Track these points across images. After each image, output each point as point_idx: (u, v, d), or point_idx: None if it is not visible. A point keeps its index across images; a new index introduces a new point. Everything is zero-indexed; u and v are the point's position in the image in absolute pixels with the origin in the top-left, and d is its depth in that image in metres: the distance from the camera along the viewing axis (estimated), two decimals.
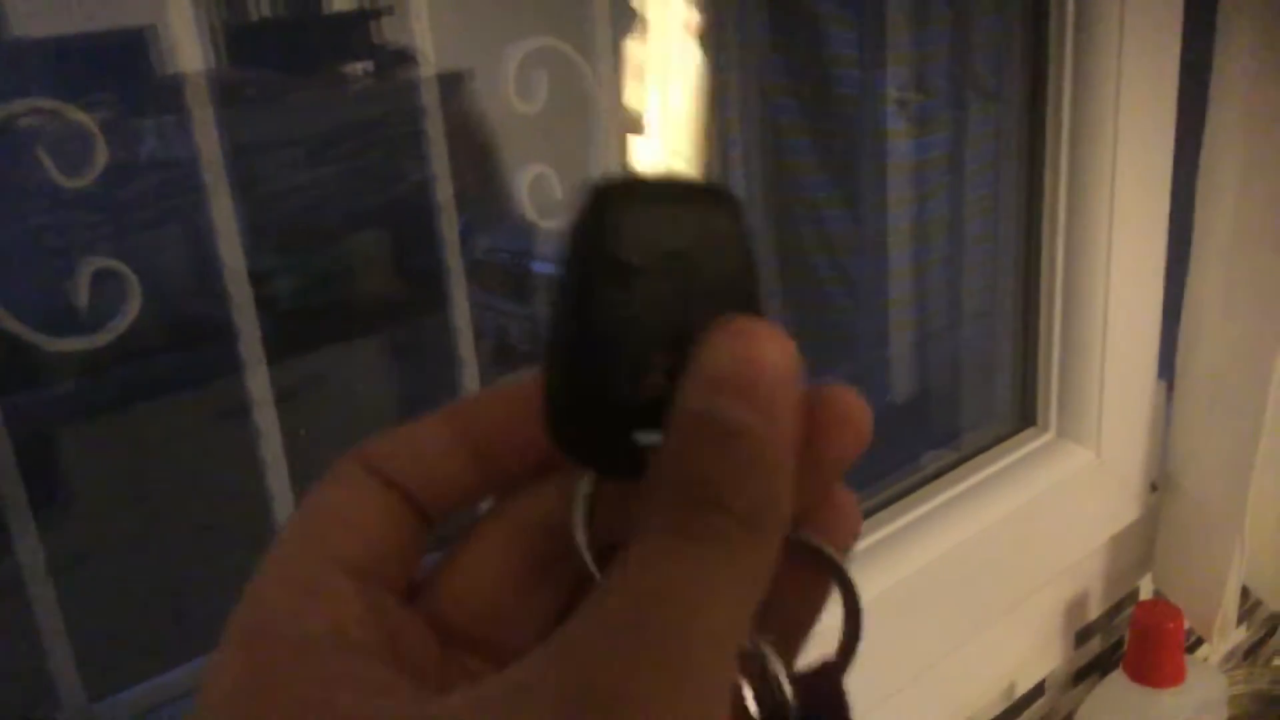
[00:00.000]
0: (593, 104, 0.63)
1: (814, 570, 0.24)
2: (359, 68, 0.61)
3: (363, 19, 0.60)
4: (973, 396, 0.87)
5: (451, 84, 0.59)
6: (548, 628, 0.24)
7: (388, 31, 0.60)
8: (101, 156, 0.47)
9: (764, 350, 0.20)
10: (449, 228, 0.60)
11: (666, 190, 0.21)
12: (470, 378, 0.63)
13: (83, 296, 0.48)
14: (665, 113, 0.22)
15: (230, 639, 0.21)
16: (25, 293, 0.48)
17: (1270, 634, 1.06)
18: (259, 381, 0.54)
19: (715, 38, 0.74)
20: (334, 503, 0.23)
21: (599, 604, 0.19)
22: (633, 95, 0.22)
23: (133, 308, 0.49)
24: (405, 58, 0.59)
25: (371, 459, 0.23)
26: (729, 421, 0.20)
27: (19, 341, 0.47)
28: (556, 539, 0.23)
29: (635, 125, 0.22)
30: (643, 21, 0.22)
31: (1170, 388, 0.84)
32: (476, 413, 0.23)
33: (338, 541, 0.22)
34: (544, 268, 0.72)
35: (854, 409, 0.23)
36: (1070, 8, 0.72)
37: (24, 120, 0.46)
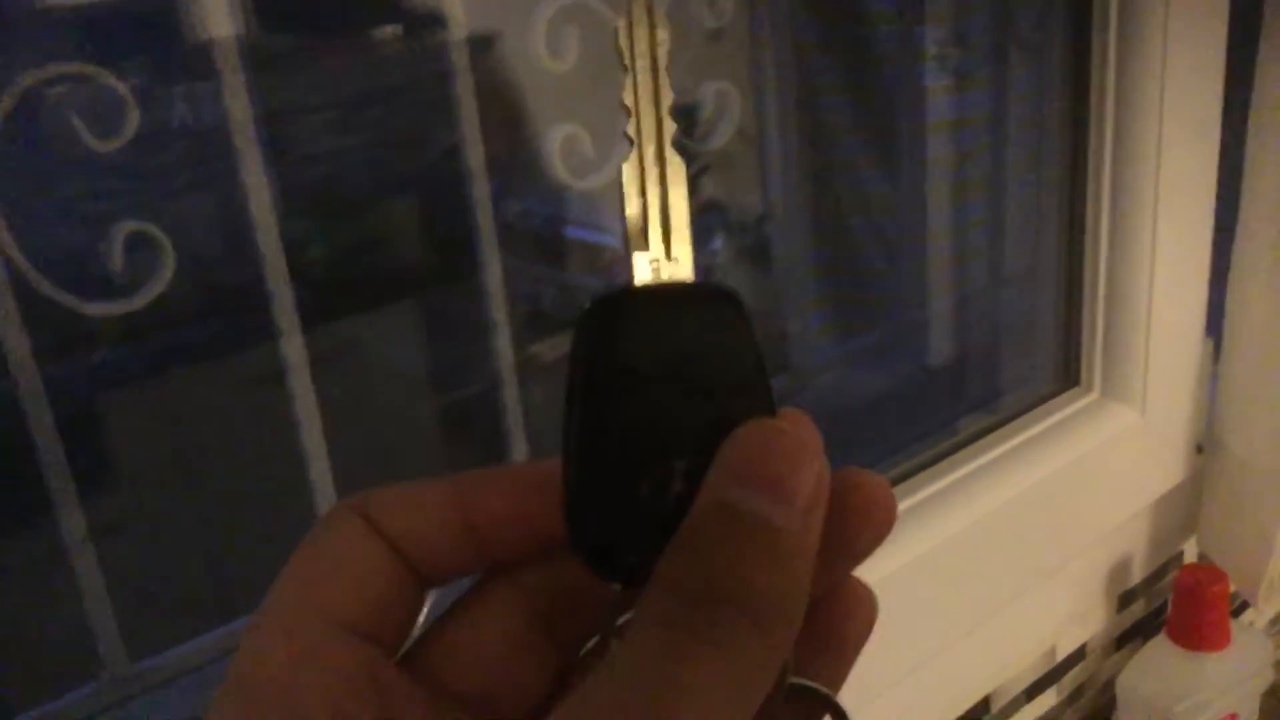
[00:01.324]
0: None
1: (809, 706, 0.24)
2: (388, 31, 0.61)
3: None
4: (1015, 357, 0.85)
5: (481, 45, 0.58)
6: (544, 688, 0.24)
7: None
8: (133, 121, 0.47)
9: (790, 445, 0.20)
10: (480, 190, 0.60)
11: (668, 295, 0.22)
12: (503, 341, 0.63)
13: (117, 260, 0.48)
14: (661, 223, 0.23)
15: (228, 692, 0.21)
16: (61, 257, 0.48)
17: None
18: (294, 346, 0.55)
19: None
20: (334, 555, 0.22)
21: (592, 694, 0.19)
22: (631, 209, 0.23)
23: (167, 271, 0.49)
24: (434, 19, 0.58)
25: (371, 512, 0.23)
26: (748, 513, 0.20)
27: (56, 307, 0.48)
28: (557, 600, 0.23)
29: (636, 239, 0.22)
30: (631, 141, 0.23)
31: (1217, 346, 0.82)
32: (481, 491, 0.23)
33: (337, 598, 0.22)
34: (576, 232, 0.72)
35: (881, 497, 0.23)
36: None
37: (56, 85, 0.46)
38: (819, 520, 0.21)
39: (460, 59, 0.57)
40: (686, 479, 0.21)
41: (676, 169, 0.23)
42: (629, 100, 0.23)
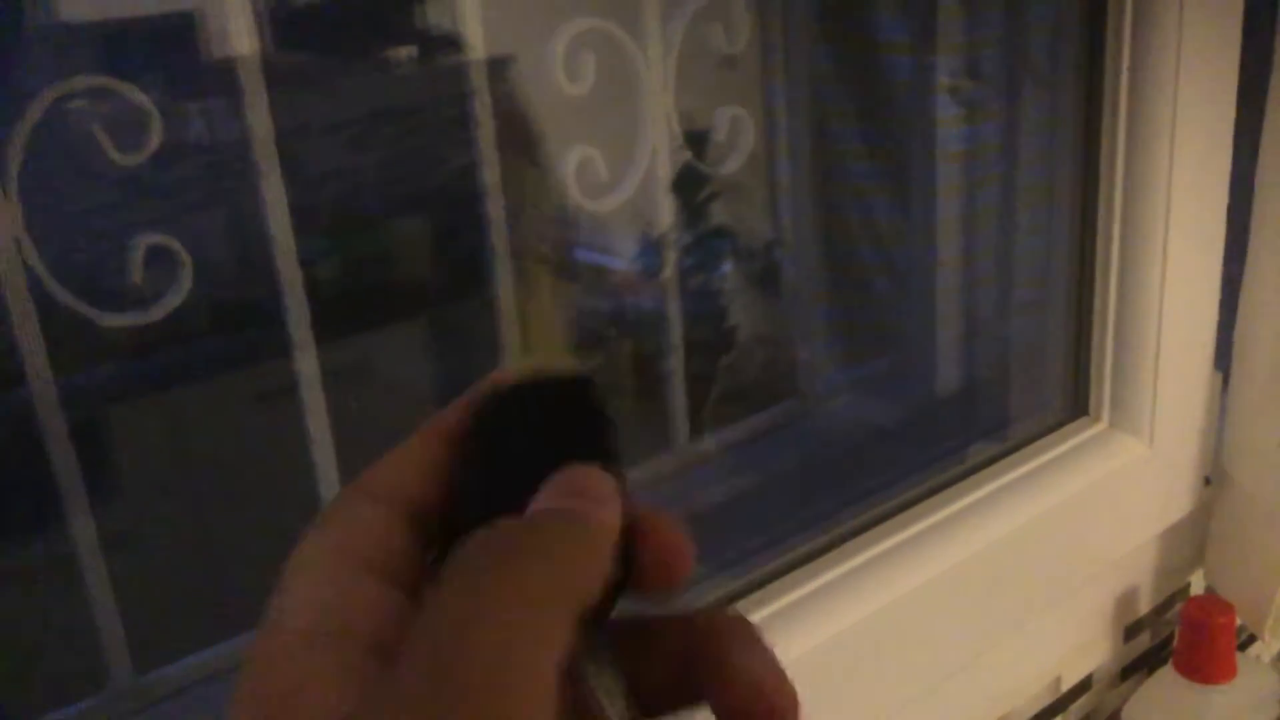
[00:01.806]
0: (640, 85, 0.63)
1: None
2: (404, 52, 0.61)
3: (406, 2, 0.60)
4: (1023, 387, 0.86)
5: (498, 67, 0.59)
6: None
7: (434, 14, 0.60)
8: (156, 135, 0.47)
9: (593, 476, 0.23)
10: (495, 209, 0.60)
11: (540, 386, 0.25)
12: (514, 359, 0.63)
13: (136, 273, 0.49)
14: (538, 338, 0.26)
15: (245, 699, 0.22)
16: (81, 269, 0.49)
17: None
18: (308, 360, 0.55)
19: (760, 22, 0.73)
20: (347, 519, 0.24)
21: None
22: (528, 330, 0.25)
23: (185, 285, 0.50)
24: (451, 41, 0.59)
25: (369, 488, 0.24)
26: (564, 510, 0.22)
27: (74, 318, 0.48)
28: None
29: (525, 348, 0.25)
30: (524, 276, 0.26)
31: (1225, 379, 0.82)
32: (453, 422, 0.25)
33: (359, 546, 0.23)
34: (587, 254, 0.72)
35: (670, 543, 0.24)
36: None
37: (81, 98, 0.47)
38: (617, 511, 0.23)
39: (479, 79, 0.58)
40: None
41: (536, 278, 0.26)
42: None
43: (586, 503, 0.22)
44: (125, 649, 0.53)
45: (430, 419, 0.25)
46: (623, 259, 0.73)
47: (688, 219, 0.73)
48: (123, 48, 0.51)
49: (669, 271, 0.71)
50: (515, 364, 0.26)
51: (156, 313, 0.50)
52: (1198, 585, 0.88)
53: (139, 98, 0.47)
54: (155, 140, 0.47)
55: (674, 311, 0.71)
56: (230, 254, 0.57)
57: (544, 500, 0.23)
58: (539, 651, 0.19)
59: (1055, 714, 0.80)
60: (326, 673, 0.21)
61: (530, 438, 0.24)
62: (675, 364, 0.73)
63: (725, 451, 0.79)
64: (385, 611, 0.22)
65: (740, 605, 0.62)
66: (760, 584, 0.64)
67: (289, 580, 0.23)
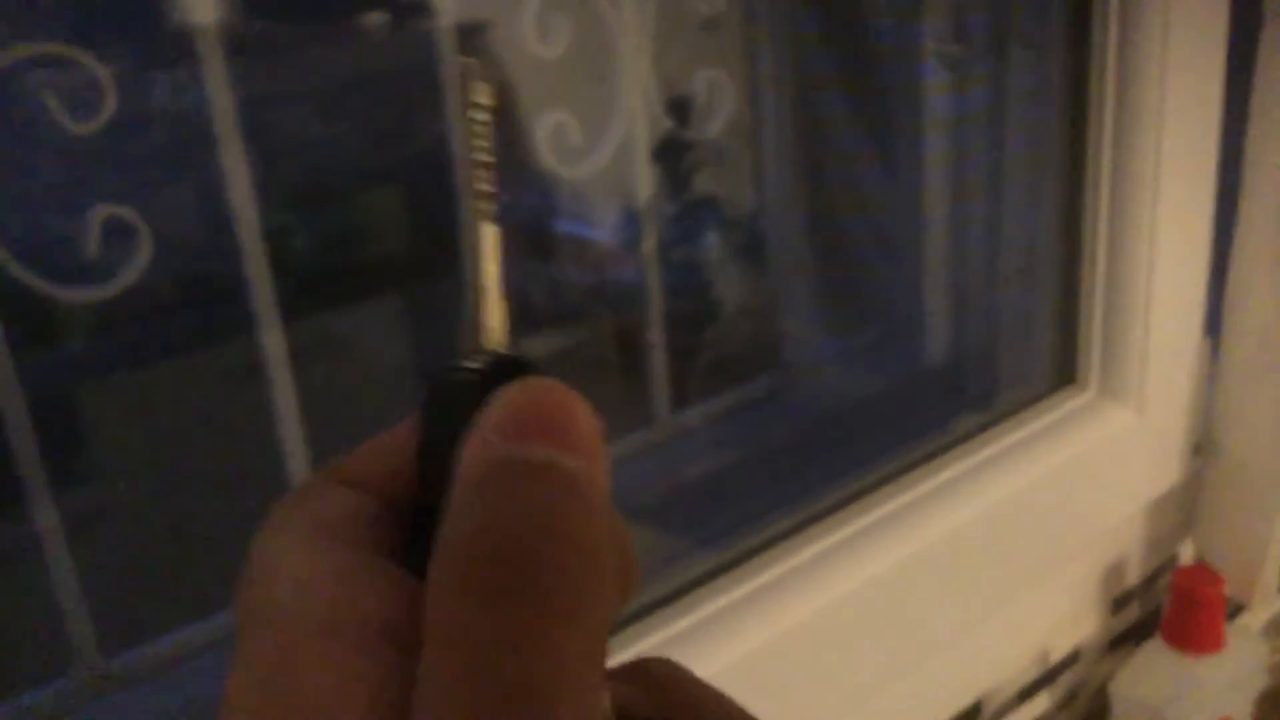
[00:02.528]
0: (615, 48, 0.61)
1: None
2: (374, 18, 0.60)
3: None
4: (1011, 355, 0.85)
5: (469, 32, 0.57)
6: None
7: None
8: (110, 102, 0.46)
9: (559, 392, 0.19)
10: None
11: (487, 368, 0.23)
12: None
13: (93, 245, 0.47)
14: (478, 295, 0.24)
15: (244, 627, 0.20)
16: (36, 242, 0.47)
17: None
18: (273, 337, 0.54)
19: None
20: (323, 498, 0.22)
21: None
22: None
23: (144, 258, 0.48)
24: (422, 6, 0.57)
25: (340, 474, 0.22)
26: (542, 464, 0.18)
27: (32, 294, 0.47)
28: None
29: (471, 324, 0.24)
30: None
31: (1215, 347, 0.81)
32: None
33: (343, 524, 0.21)
34: (564, 224, 0.71)
35: (631, 555, 0.21)
36: None
37: (33, 66, 0.45)
38: (603, 462, 0.19)
39: (447, 46, 0.56)
40: None
41: (485, 238, 0.23)
42: (477, 157, 0.23)
43: (578, 455, 0.19)
44: (91, 632, 0.52)
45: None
46: (603, 230, 0.72)
47: (670, 189, 0.72)
48: (79, 12, 0.49)
49: (651, 242, 0.70)
50: (462, 347, 0.23)
51: (115, 286, 0.48)
52: (1186, 556, 0.88)
53: (93, 64, 0.45)
54: (110, 108, 0.46)
55: (655, 283, 0.70)
56: (192, 228, 0.55)
57: (497, 446, 0.19)
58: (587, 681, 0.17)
59: (1043, 686, 0.80)
60: (363, 672, 0.18)
61: (468, 422, 0.22)
62: (657, 336, 0.71)
63: (708, 424, 0.78)
64: (389, 591, 0.19)
65: (725, 580, 0.61)
66: (745, 558, 0.63)
67: (269, 565, 0.20)
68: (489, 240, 0.23)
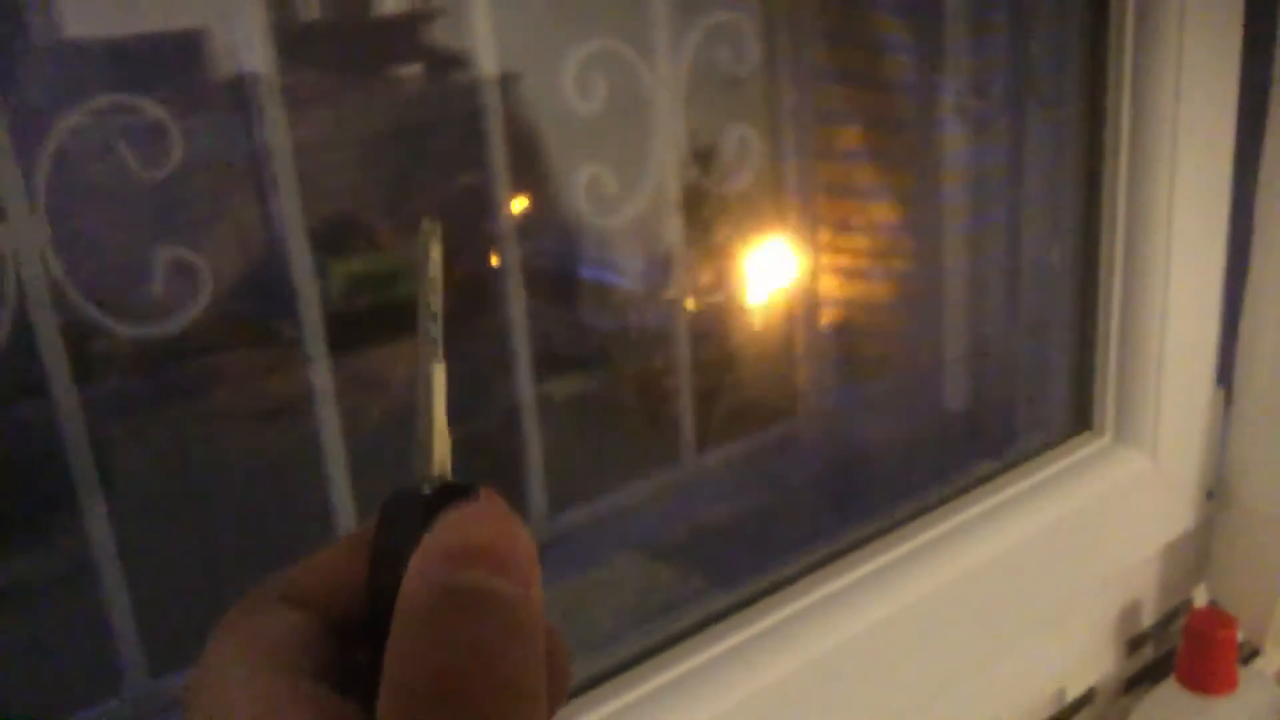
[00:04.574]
0: (651, 104, 0.64)
1: None
2: (413, 69, 0.63)
3: (418, 20, 0.62)
4: (1028, 403, 0.86)
5: (509, 85, 0.60)
6: None
7: (445, 33, 0.61)
8: (178, 150, 0.48)
9: (494, 513, 0.21)
10: (506, 224, 0.61)
11: (432, 494, 0.24)
12: (524, 374, 0.64)
13: (158, 286, 0.50)
14: (428, 426, 0.25)
15: None
16: (101, 281, 0.50)
17: None
18: (322, 373, 0.56)
19: (768, 42, 0.74)
20: (268, 623, 0.22)
21: None
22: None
23: (204, 298, 0.51)
24: (462, 59, 0.60)
25: (286, 592, 0.23)
26: (474, 590, 0.19)
27: (94, 329, 0.49)
28: None
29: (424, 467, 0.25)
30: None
31: (1228, 394, 0.83)
32: (369, 533, 0.24)
33: (288, 650, 0.22)
34: (591, 272, 0.73)
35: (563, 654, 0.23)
36: (1130, 16, 0.72)
37: (107, 115, 0.48)
38: (538, 584, 0.20)
39: (492, 97, 0.59)
40: None
41: (434, 377, 0.25)
42: (434, 306, 0.26)
43: (514, 580, 0.20)
44: (141, 654, 0.53)
45: (349, 533, 0.24)
46: (630, 277, 0.74)
47: (695, 237, 0.74)
48: (149, 66, 0.52)
49: (678, 289, 0.72)
50: (420, 474, 0.25)
51: (174, 325, 0.51)
52: (1200, 599, 0.89)
53: (160, 113, 0.48)
54: (177, 155, 0.48)
55: (681, 329, 0.72)
56: (247, 267, 0.58)
57: (436, 570, 0.20)
58: None
59: None
60: None
61: (414, 546, 0.23)
62: (682, 381, 0.73)
63: (731, 468, 0.80)
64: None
65: (742, 617, 0.63)
66: (761, 597, 0.64)
67: (213, 691, 0.21)
68: (439, 380, 0.25)
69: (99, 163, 0.49)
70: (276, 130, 0.53)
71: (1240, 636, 0.77)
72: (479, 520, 0.21)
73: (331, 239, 0.58)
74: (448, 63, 0.61)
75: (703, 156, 0.69)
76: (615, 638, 0.61)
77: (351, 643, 0.23)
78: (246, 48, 0.52)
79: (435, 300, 0.26)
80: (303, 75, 0.55)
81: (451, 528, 0.20)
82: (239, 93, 0.53)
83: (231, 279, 0.55)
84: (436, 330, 0.26)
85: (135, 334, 0.51)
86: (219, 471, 0.59)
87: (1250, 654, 0.89)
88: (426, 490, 0.24)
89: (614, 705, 0.56)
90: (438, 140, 0.63)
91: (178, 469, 0.58)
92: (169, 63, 0.53)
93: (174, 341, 0.51)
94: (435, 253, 0.26)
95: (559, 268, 0.73)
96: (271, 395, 0.59)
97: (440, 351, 0.25)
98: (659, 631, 0.61)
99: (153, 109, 0.48)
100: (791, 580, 0.65)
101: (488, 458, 0.68)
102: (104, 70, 0.51)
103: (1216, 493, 0.85)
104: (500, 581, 0.20)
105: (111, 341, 0.51)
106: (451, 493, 0.23)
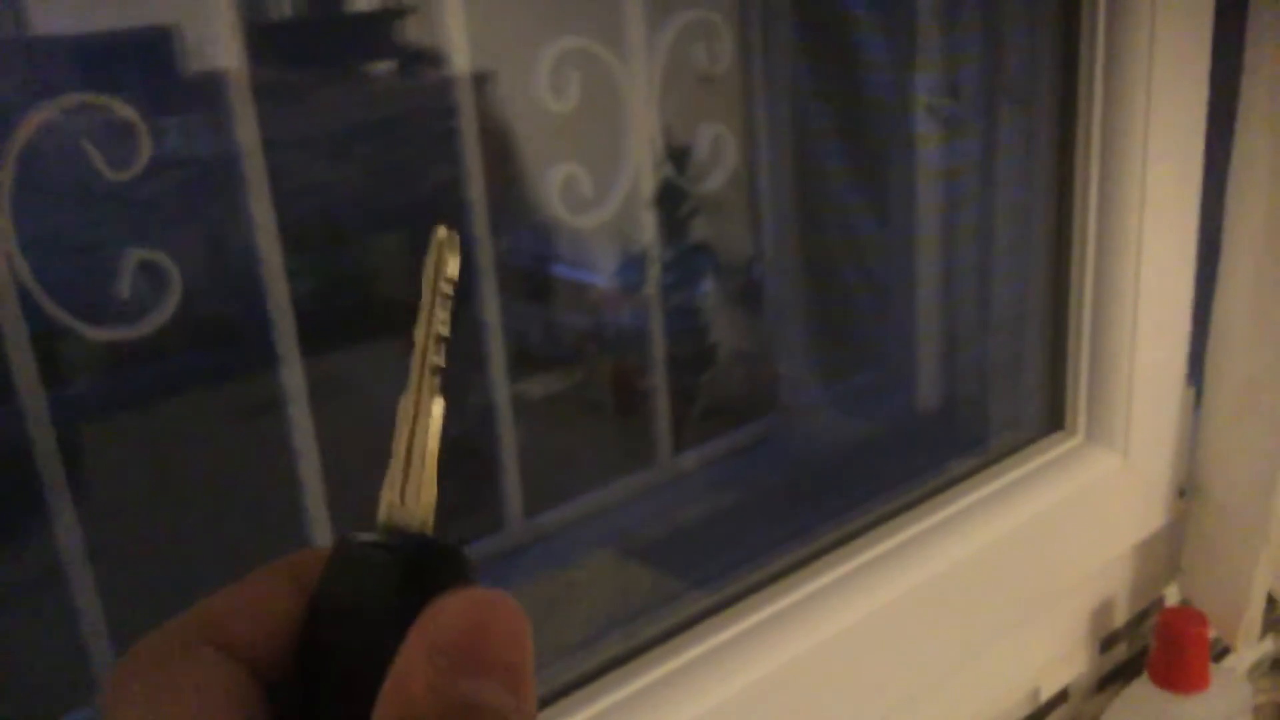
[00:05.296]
0: (624, 101, 0.64)
1: None
2: (385, 66, 0.62)
3: (390, 18, 0.61)
4: (1001, 401, 0.87)
5: (482, 83, 0.60)
6: None
7: (417, 31, 0.61)
8: (146, 150, 0.48)
9: (514, 618, 0.19)
10: (480, 225, 0.61)
11: (386, 549, 0.21)
12: (499, 373, 0.64)
13: (126, 287, 0.49)
14: (405, 465, 0.22)
15: None
16: (70, 283, 0.49)
17: None
18: (294, 374, 0.55)
19: (742, 41, 0.74)
20: (198, 681, 0.20)
21: None
22: (398, 444, 0.22)
23: (173, 299, 0.50)
24: (435, 57, 0.59)
25: (216, 636, 0.20)
26: (496, 711, 0.18)
27: (63, 331, 0.48)
28: None
29: (388, 478, 0.22)
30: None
31: (1199, 393, 0.83)
32: (308, 566, 0.22)
33: (208, 708, 0.19)
34: (565, 271, 0.73)
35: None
36: (1101, 15, 0.72)
37: (74, 114, 0.47)
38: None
39: (464, 94, 0.59)
40: None
41: (429, 411, 0.22)
42: (425, 330, 0.22)
43: (523, 697, 0.18)
44: (111, 659, 0.53)
45: (276, 561, 0.22)
46: (604, 275, 0.74)
47: (669, 235, 0.74)
48: (115, 64, 0.51)
49: (653, 287, 0.72)
50: (387, 518, 0.22)
51: (145, 326, 0.50)
52: (1172, 597, 0.90)
53: (129, 112, 0.48)
54: (145, 155, 0.48)
55: (656, 327, 0.72)
56: (216, 267, 0.57)
57: (456, 678, 0.18)
58: None
59: None
60: None
61: (386, 609, 0.20)
62: (658, 380, 0.73)
63: (707, 467, 0.80)
64: None
65: (718, 620, 0.63)
66: (737, 598, 0.64)
67: None
68: (436, 415, 0.22)
69: (66, 162, 0.48)
70: (246, 128, 0.52)
71: (1211, 634, 0.78)
72: (495, 622, 0.19)
73: (302, 238, 0.57)
74: (420, 60, 0.61)
75: (678, 154, 0.69)
76: (591, 640, 0.61)
77: (270, 699, 0.21)
78: (216, 44, 0.51)
79: (444, 320, 0.22)
80: (273, 73, 0.55)
81: (465, 629, 0.18)
82: (209, 90, 0.52)
83: (202, 279, 0.55)
84: (439, 357, 0.22)
85: (104, 336, 0.50)
86: (190, 474, 0.58)
87: (1222, 652, 0.90)
88: (400, 544, 0.21)
89: (590, 709, 0.56)
90: (410, 138, 0.62)
91: (148, 472, 0.57)
92: (138, 60, 0.52)
93: (144, 343, 0.51)
94: (451, 267, 0.22)
95: (533, 267, 0.72)
96: (243, 398, 0.59)
97: (439, 384, 0.22)
98: (636, 634, 0.61)
99: (121, 108, 0.48)
100: (767, 582, 0.65)
101: (462, 458, 0.68)
102: (71, 68, 0.50)
103: (1188, 492, 0.85)
104: (512, 700, 0.18)
105: (81, 344, 0.50)
106: (435, 555, 0.21)
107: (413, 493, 0.22)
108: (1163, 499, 0.84)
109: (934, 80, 0.85)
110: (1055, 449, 0.79)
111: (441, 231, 0.22)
